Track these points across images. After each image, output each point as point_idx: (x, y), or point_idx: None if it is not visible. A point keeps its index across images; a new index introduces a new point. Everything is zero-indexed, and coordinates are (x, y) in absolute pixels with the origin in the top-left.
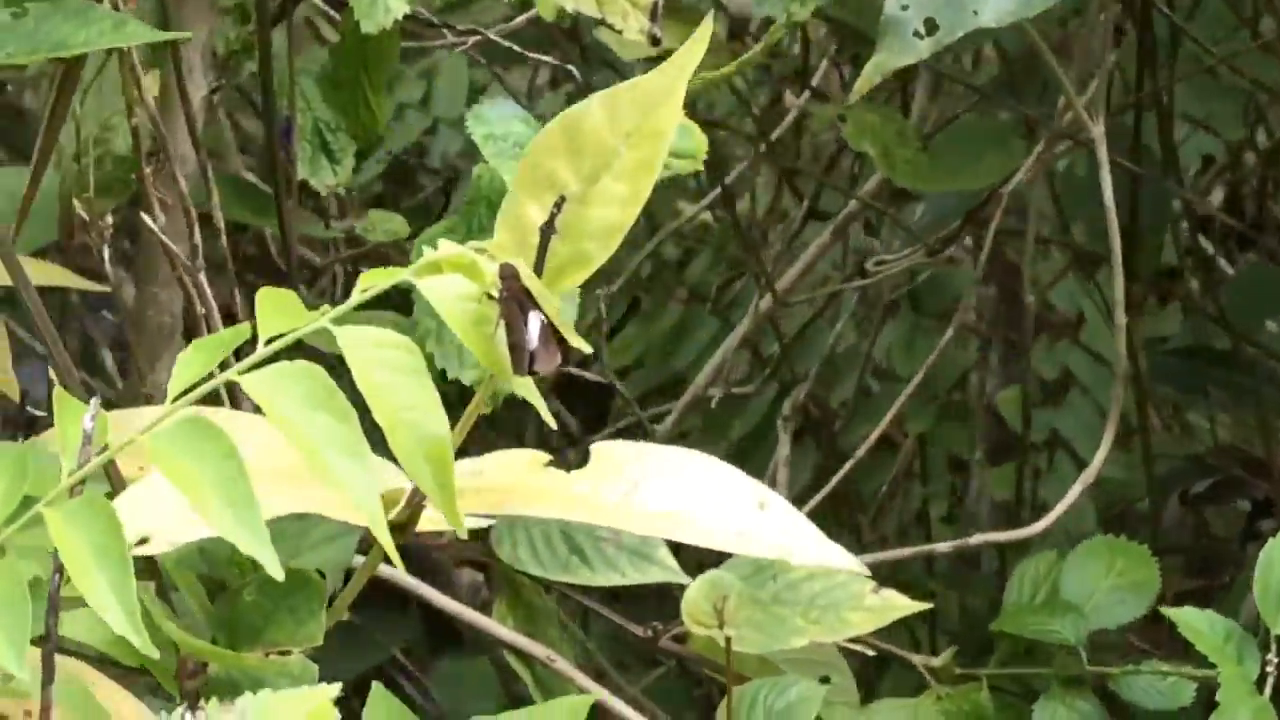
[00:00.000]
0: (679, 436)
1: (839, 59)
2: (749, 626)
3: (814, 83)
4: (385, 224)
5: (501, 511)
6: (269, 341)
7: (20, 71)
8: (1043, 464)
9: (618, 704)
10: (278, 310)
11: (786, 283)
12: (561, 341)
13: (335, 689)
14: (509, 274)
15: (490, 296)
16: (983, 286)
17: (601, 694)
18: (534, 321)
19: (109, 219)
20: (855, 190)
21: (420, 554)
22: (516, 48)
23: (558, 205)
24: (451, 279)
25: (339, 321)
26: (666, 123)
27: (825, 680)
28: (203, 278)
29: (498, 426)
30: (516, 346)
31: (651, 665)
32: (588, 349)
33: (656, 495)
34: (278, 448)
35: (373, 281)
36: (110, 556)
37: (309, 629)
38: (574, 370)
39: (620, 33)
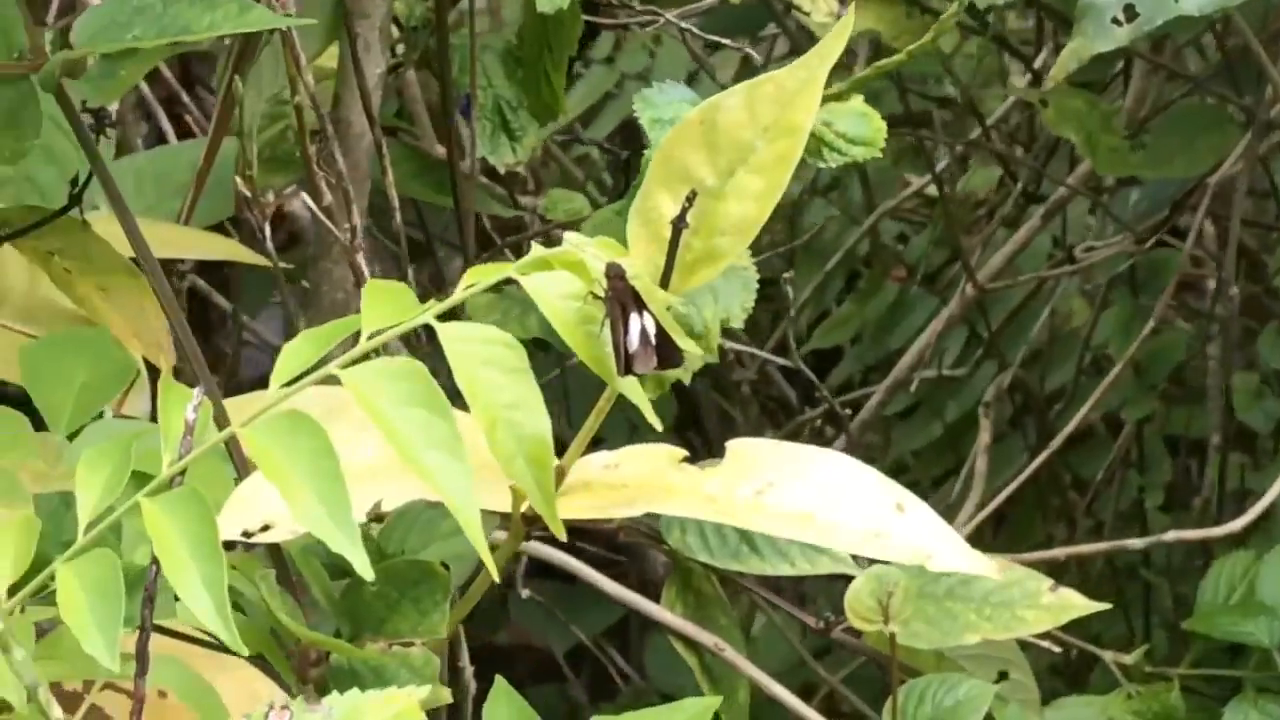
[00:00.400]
0: (887, 418)
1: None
2: (921, 621)
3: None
4: (566, 203)
5: (632, 508)
6: (371, 336)
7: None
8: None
9: (785, 694)
10: (384, 303)
11: (994, 267)
12: (669, 343)
13: (424, 691)
14: (615, 273)
15: (595, 296)
16: (1204, 271)
17: (770, 685)
18: (634, 323)
19: (269, 196)
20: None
21: (611, 536)
22: (694, 30)
23: (689, 199)
24: (558, 276)
25: (443, 317)
26: (804, 117)
27: (1003, 676)
28: (361, 258)
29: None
30: (618, 347)
31: None
32: (699, 351)
33: (790, 495)
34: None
35: (479, 277)
36: (203, 549)
37: (432, 620)
38: (765, 355)
39: (808, 15)
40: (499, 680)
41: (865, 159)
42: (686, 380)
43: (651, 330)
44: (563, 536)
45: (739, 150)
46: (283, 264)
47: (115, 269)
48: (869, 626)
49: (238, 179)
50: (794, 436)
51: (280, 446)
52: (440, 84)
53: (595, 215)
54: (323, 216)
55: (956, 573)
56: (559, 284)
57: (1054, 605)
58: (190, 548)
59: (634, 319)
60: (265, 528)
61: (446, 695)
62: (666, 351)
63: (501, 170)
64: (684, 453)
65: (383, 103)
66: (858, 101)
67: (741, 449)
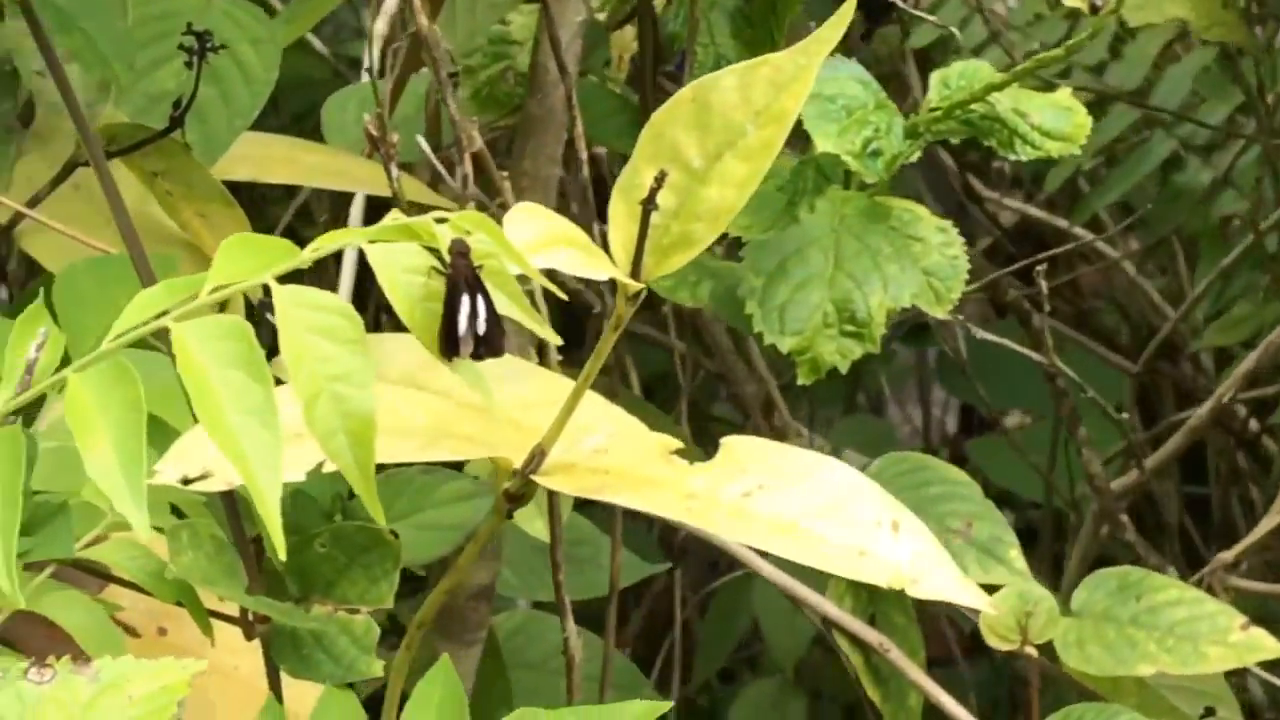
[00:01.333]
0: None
1: None
2: (1098, 645)
3: None
4: None
5: (609, 497)
6: (214, 290)
7: None
8: None
9: (952, 705)
10: (239, 257)
11: None
12: (497, 331)
13: (201, 665)
14: (458, 250)
15: (438, 271)
16: None
17: (936, 694)
18: (464, 304)
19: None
20: None
21: None
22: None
23: (658, 180)
24: (407, 248)
25: (282, 280)
26: (794, 104)
27: (1210, 713)
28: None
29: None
30: (446, 328)
31: None
32: (556, 340)
33: (778, 500)
34: (420, 402)
35: (325, 243)
36: (126, 427)
37: (380, 589)
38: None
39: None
40: (444, 658)
41: (1061, 155)
42: (843, 369)
43: (482, 315)
44: (382, 521)
45: (729, 133)
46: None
47: (213, 197)
48: (1005, 646)
49: (367, 118)
50: None
51: (96, 396)
52: (639, 35)
53: None
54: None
55: (1148, 598)
56: (406, 256)
57: (1241, 644)
58: (111, 426)
59: (464, 300)
60: (204, 476)
61: (378, 669)
62: (492, 337)
63: None
64: (676, 444)
65: (593, 50)
66: (1063, 93)
67: (737, 446)
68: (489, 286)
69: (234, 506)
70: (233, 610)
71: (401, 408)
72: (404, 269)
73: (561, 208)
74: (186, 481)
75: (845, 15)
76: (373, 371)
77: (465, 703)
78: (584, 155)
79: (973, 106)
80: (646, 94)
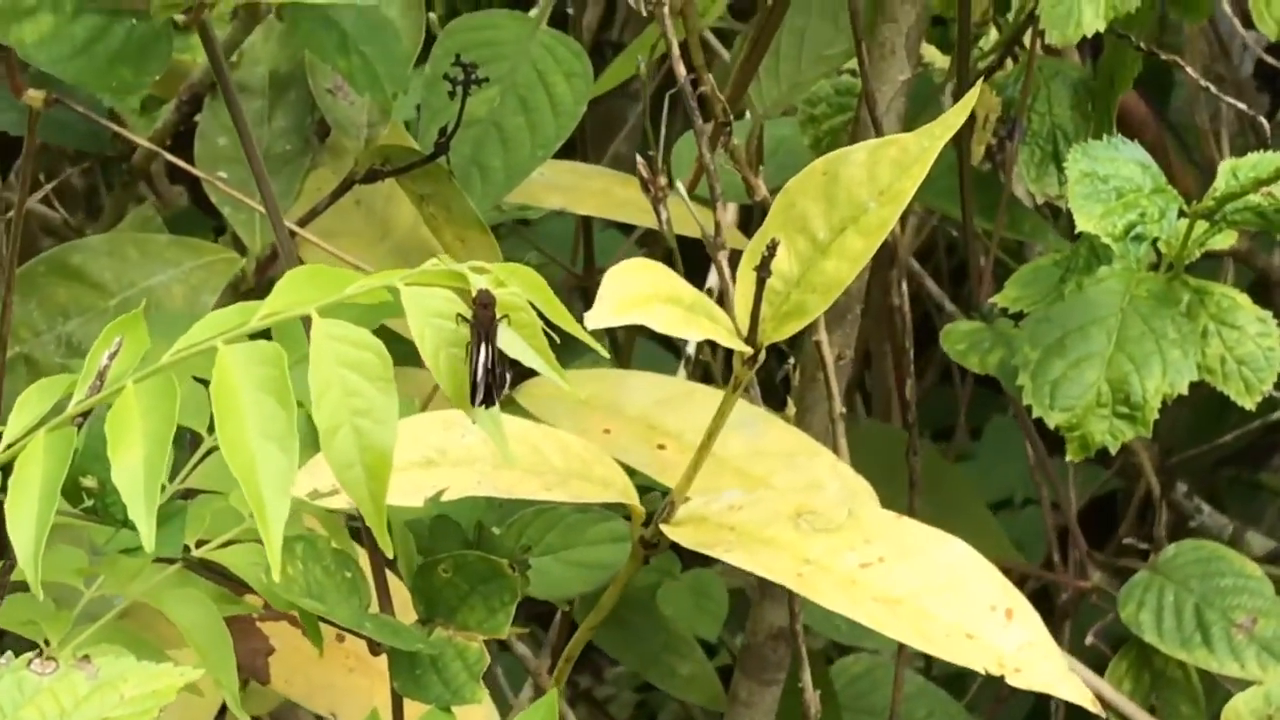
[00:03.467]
0: None
1: None
2: None
3: None
4: None
5: (724, 555)
6: (265, 316)
7: None
8: None
9: None
10: (299, 287)
11: None
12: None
13: (195, 673)
14: (482, 301)
15: (463, 319)
16: None
17: None
18: (482, 354)
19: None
20: None
21: None
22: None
23: (770, 248)
24: (437, 293)
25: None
26: (913, 185)
27: None
28: None
29: None
30: (473, 375)
31: None
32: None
33: (893, 574)
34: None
35: (370, 283)
36: (157, 440)
37: (497, 619)
38: None
39: None
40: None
41: None
42: (1113, 450)
43: (490, 364)
44: (390, 553)
45: (853, 208)
46: None
47: (471, 223)
48: None
49: (639, 160)
50: None
51: (141, 406)
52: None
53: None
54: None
55: None
56: (437, 301)
57: None
58: (146, 437)
59: (482, 350)
60: (333, 492)
61: (482, 696)
62: (491, 388)
63: (1039, 200)
64: (812, 508)
65: (924, 108)
66: None
67: (864, 515)
68: (515, 336)
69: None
70: None
71: (543, 446)
72: (433, 313)
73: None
74: (316, 494)
75: (968, 105)
76: (395, 409)
77: None
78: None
79: (1257, 198)
80: (963, 156)
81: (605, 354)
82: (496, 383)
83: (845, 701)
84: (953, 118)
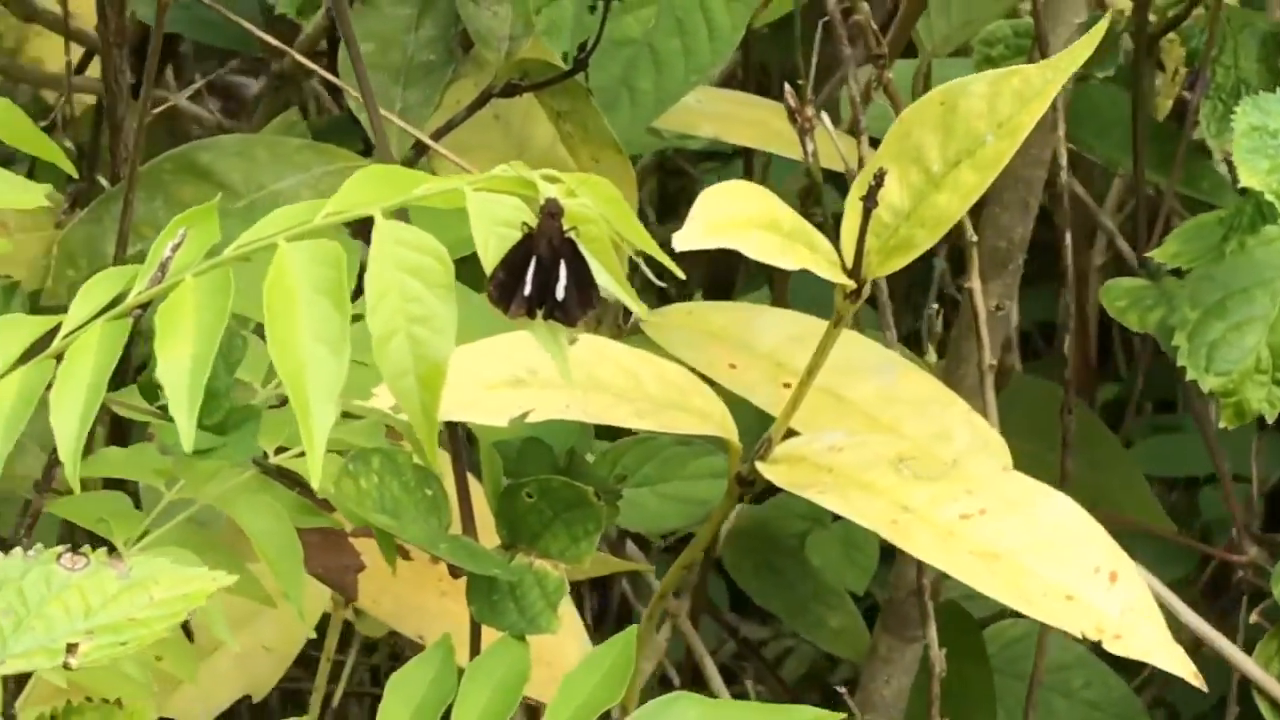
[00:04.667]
0: None
1: None
2: None
3: None
4: None
5: (817, 497)
6: (329, 214)
7: None
8: None
9: None
10: (363, 188)
11: None
12: (579, 298)
13: (229, 579)
14: (550, 209)
15: (526, 225)
16: None
17: None
18: (532, 264)
19: None
20: None
21: None
22: None
23: (878, 178)
24: (506, 200)
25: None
26: (1031, 119)
27: None
28: None
29: None
30: (503, 282)
31: None
32: (645, 313)
33: (996, 528)
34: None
35: (435, 187)
36: (207, 336)
37: (580, 548)
38: None
39: None
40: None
41: None
42: (1269, 418)
43: (562, 279)
44: (436, 467)
45: (970, 140)
46: None
47: (606, 143)
48: None
49: (787, 87)
50: None
51: (195, 301)
52: (1135, 48)
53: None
54: None
55: None
56: (504, 209)
57: None
58: (196, 332)
59: (534, 261)
60: None
61: (557, 625)
62: (570, 305)
63: (1217, 157)
64: (915, 453)
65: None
66: None
67: (969, 466)
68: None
69: (457, 444)
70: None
71: (640, 372)
72: (498, 220)
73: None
74: (396, 410)
75: (1096, 37)
76: (454, 320)
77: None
78: (1063, 159)
79: None
80: (1138, 99)
81: (680, 274)
82: (569, 297)
83: (999, 665)
84: (1079, 50)
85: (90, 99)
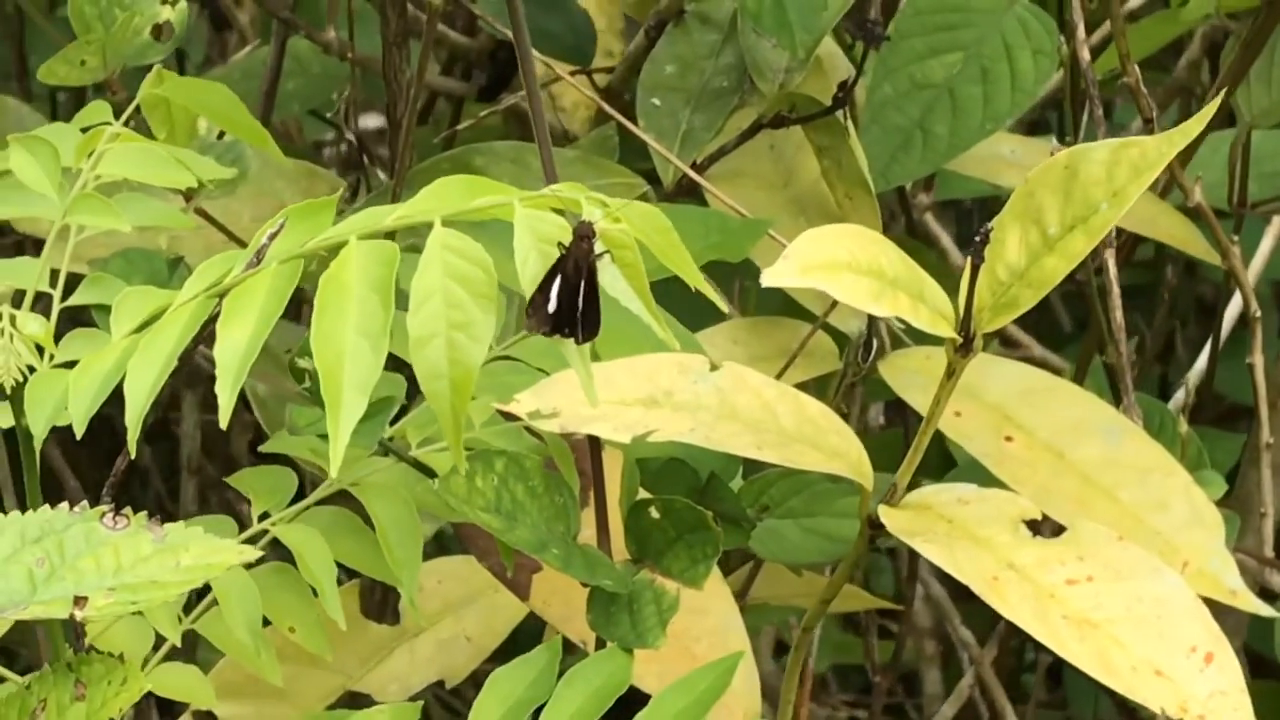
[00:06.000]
0: None
1: None
2: None
3: None
4: None
5: (920, 546)
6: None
7: None
8: None
9: None
10: (441, 194)
11: None
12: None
13: (255, 552)
14: (582, 233)
15: (561, 245)
16: None
17: None
18: (557, 282)
19: None
20: None
21: None
22: None
23: (984, 236)
24: (554, 220)
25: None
26: (1139, 190)
27: None
28: None
29: None
30: (534, 300)
31: None
32: (673, 342)
33: (1098, 598)
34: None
35: (485, 201)
36: (264, 320)
37: (698, 570)
38: None
39: None
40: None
41: None
42: None
43: (580, 299)
44: (463, 467)
45: (1086, 207)
46: None
47: (858, 182)
48: None
49: (1054, 142)
50: None
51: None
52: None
53: None
54: None
55: None
56: (549, 227)
57: None
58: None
59: (560, 279)
60: (553, 414)
61: (663, 643)
62: (588, 324)
63: None
64: (1036, 514)
65: None
66: None
67: (1084, 531)
68: (615, 274)
69: (597, 454)
70: None
71: (776, 405)
72: (541, 238)
73: None
74: (532, 416)
75: (1205, 118)
76: (492, 328)
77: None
78: None
79: None
80: None
81: (725, 309)
82: (577, 318)
83: None
84: (1193, 125)
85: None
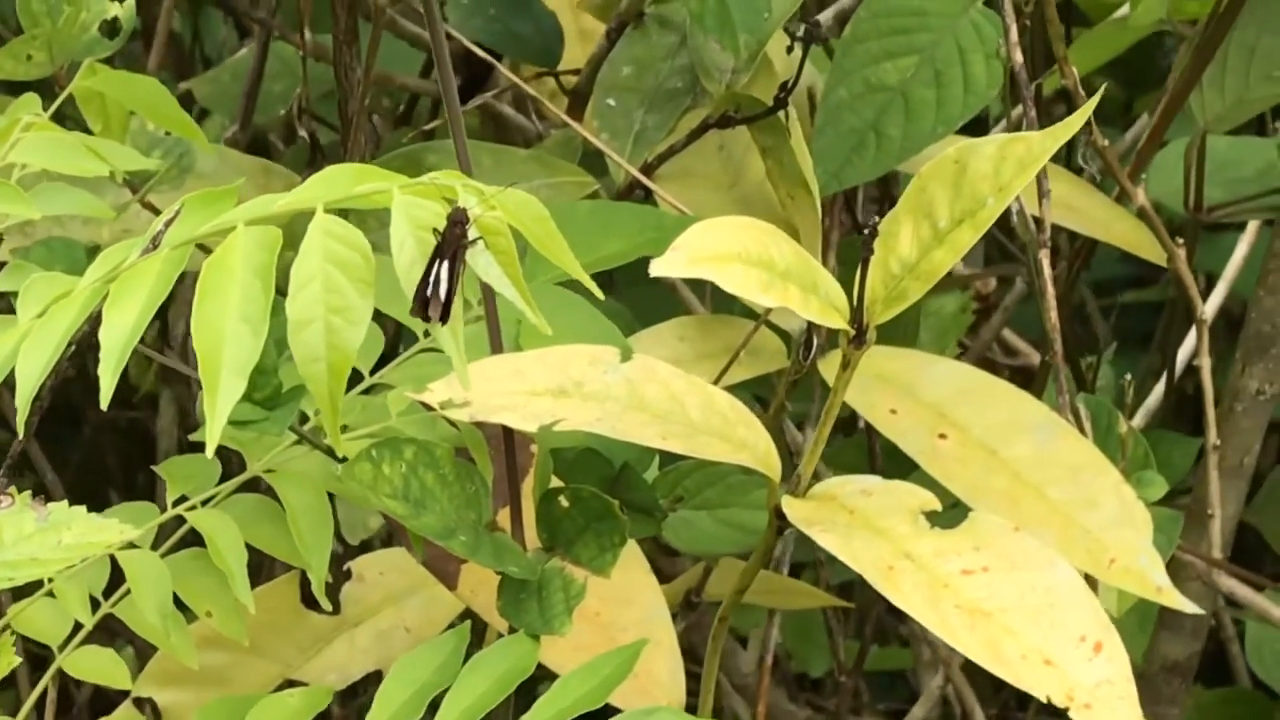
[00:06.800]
0: None
1: None
2: None
3: None
4: None
5: (818, 536)
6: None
7: None
8: None
9: None
10: (322, 183)
11: None
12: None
13: (134, 532)
14: (455, 218)
15: (436, 231)
16: None
17: None
18: (435, 269)
19: None
20: None
21: None
22: None
23: (873, 230)
24: (431, 208)
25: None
26: (1022, 185)
27: None
28: None
29: None
30: (418, 288)
31: None
32: (545, 327)
33: (992, 588)
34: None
35: (368, 187)
36: (148, 305)
37: (606, 558)
38: None
39: None
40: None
41: None
42: None
43: (444, 284)
44: (340, 451)
45: (974, 201)
46: None
47: (799, 182)
48: None
49: None
50: None
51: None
52: None
53: None
54: None
55: None
56: (426, 214)
57: None
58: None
59: (438, 266)
60: (465, 404)
61: (568, 630)
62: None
63: None
64: (936, 505)
65: None
66: None
67: (981, 523)
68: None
69: (511, 444)
70: None
71: (685, 397)
72: (418, 224)
73: None
74: (444, 405)
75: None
76: (369, 312)
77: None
78: None
79: None
80: None
81: (599, 295)
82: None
83: None
84: (1074, 121)
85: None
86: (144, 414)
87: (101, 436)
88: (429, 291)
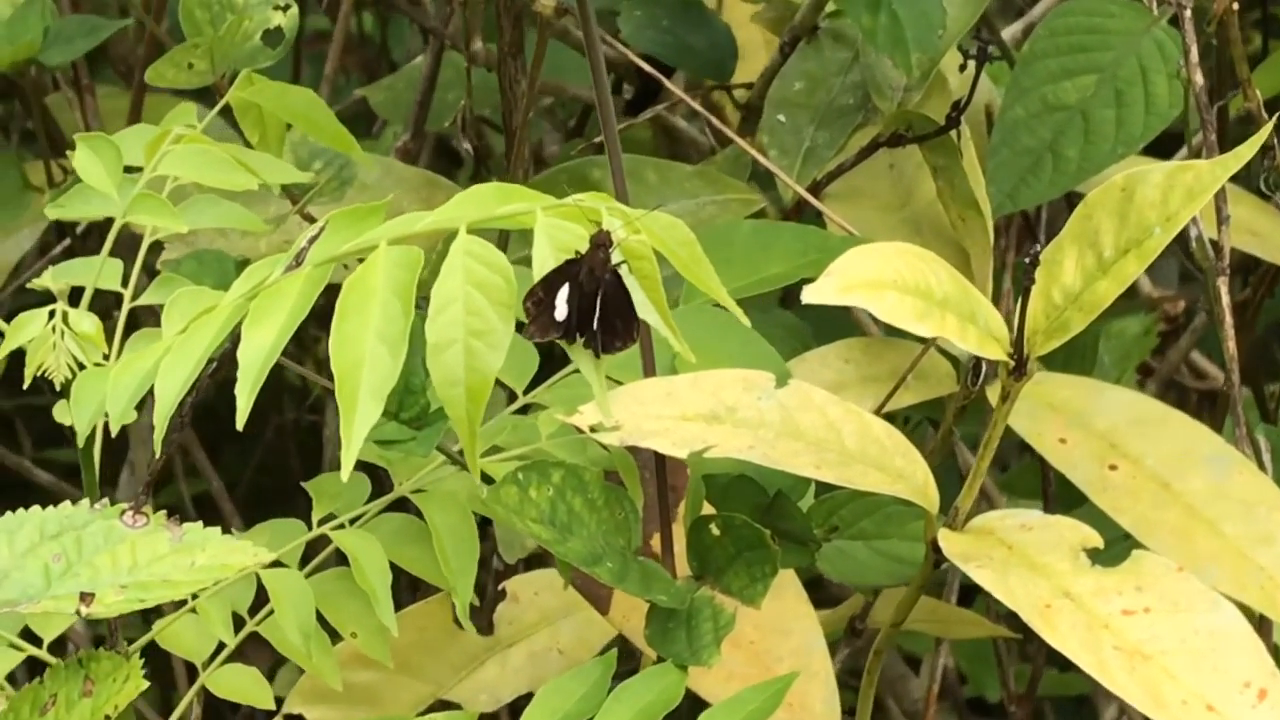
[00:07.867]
0: None
1: None
2: None
3: None
4: None
5: (973, 571)
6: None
7: None
8: None
9: None
10: (466, 203)
11: None
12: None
13: (268, 555)
14: (599, 242)
15: (577, 252)
16: None
17: None
18: (564, 292)
19: None
20: None
21: None
22: None
23: (1034, 258)
24: (574, 230)
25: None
26: (1190, 215)
27: None
28: None
29: None
30: (534, 303)
31: None
32: (690, 355)
33: (1154, 629)
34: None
35: (515, 208)
36: (287, 326)
37: (756, 589)
38: None
39: None
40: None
41: None
42: None
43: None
44: (487, 473)
45: (1141, 230)
46: None
47: (970, 203)
48: None
49: None
50: None
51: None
52: None
53: None
54: None
55: None
56: (569, 236)
57: None
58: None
59: (566, 290)
60: (615, 427)
61: (716, 661)
62: (609, 336)
63: None
64: (1098, 542)
65: None
66: None
67: (1145, 562)
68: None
69: (663, 469)
70: None
71: (841, 424)
72: (560, 247)
73: None
74: (594, 428)
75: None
76: (509, 336)
77: None
78: None
79: None
80: None
81: (745, 321)
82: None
83: None
84: (1245, 150)
85: None
86: (322, 417)
87: (284, 437)
88: (559, 313)
